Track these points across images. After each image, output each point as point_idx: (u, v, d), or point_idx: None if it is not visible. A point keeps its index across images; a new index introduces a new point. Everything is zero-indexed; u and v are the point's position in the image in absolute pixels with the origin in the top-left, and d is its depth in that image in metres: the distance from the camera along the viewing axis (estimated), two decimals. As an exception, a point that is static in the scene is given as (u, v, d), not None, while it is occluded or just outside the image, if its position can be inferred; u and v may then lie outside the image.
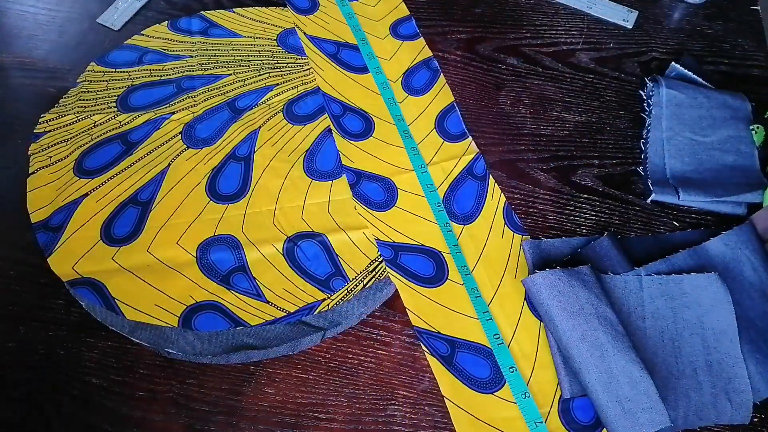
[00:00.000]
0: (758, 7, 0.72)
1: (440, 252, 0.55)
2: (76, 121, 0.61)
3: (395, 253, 0.54)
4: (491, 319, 0.52)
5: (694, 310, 0.51)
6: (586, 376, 0.47)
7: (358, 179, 0.58)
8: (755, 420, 0.49)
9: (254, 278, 0.53)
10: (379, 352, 0.51)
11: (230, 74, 0.66)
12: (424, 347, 0.50)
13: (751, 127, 0.61)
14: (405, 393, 0.49)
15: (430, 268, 0.54)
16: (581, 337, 0.48)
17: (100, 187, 0.57)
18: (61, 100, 0.63)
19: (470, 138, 0.62)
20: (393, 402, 0.49)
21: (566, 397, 0.49)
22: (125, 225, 0.55)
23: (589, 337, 0.48)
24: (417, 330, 0.51)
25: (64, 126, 0.61)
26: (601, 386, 0.46)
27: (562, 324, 0.48)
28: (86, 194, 0.57)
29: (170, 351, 0.50)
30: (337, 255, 0.55)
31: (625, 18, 0.72)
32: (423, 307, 0.52)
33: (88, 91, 0.64)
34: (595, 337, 0.48)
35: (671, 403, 0.48)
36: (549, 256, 0.55)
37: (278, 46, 0.68)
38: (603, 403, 0.46)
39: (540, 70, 0.68)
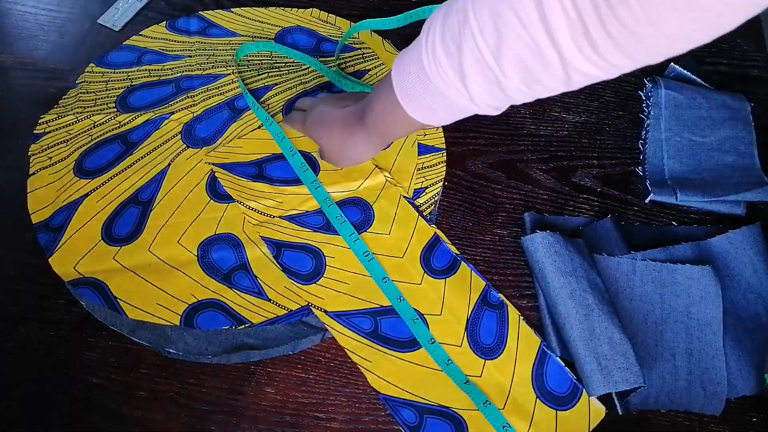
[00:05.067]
0: (757, 8, 0.72)
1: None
2: (76, 121, 0.61)
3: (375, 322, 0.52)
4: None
5: (683, 299, 0.52)
6: (569, 332, 0.49)
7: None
8: (754, 420, 0.49)
9: (255, 276, 0.53)
10: (380, 351, 0.51)
11: (229, 74, 0.66)
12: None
13: None
14: (405, 392, 0.50)
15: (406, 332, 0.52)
16: (570, 294, 0.50)
17: (100, 187, 0.57)
18: (60, 101, 0.63)
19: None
20: (393, 401, 0.49)
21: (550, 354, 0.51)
22: (126, 225, 0.55)
23: (578, 296, 0.50)
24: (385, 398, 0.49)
25: (64, 126, 0.61)
26: (582, 342, 0.49)
27: (553, 281, 0.51)
28: (87, 194, 0.57)
29: (171, 351, 0.50)
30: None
31: (624, 18, 0.72)
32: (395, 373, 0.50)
33: (88, 92, 0.64)
34: (583, 297, 0.50)
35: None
36: (548, 229, 0.55)
37: (277, 45, 0.68)
38: (582, 357, 0.49)
39: (539, 70, 0.68)
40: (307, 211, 0.56)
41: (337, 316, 0.51)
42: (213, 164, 0.58)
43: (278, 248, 0.54)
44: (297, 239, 0.55)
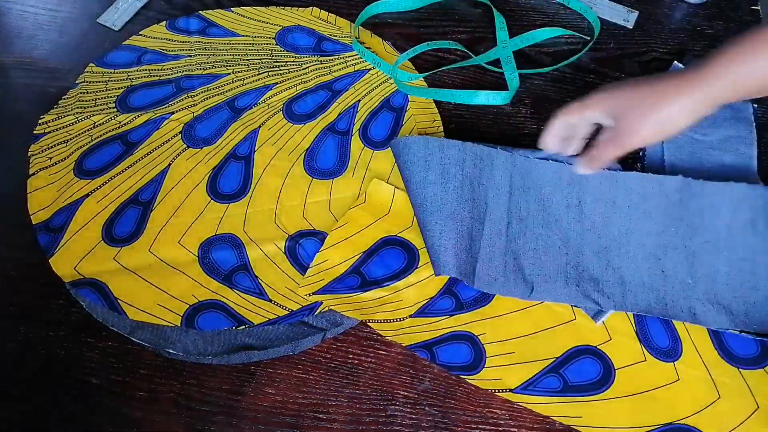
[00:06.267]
0: (758, 7, 0.72)
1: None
2: (75, 121, 0.61)
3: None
4: None
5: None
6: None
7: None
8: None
9: (256, 277, 0.53)
10: (380, 352, 0.51)
11: (229, 73, 0.66)
12: None
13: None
14: (405, 393, 0.49)
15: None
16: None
17: (100, 187, 0.57)
18: (60, 101, 0.63)
19: None
20: (393, 402, 0.49)
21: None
22: (126, 225, 0.55)
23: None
24: None
25: (63, 127, 0.61)
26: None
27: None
28: (87, 195, 0.57)
29: (171, 351, 0.50)
30: (337, 255, 0.54)
31: (626, 18, 0.72)
32: None
33: (88, 92, 0.64)
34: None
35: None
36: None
37: (277, 44, 0.68)
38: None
39: (540, 69, 0.68)
40: (432, 297, 0.53)
41: (523, 388, 0.49)
42: (312, 294, 0.52)
43: (430, 350, 0.50)
44: (441, 331, 0.51)
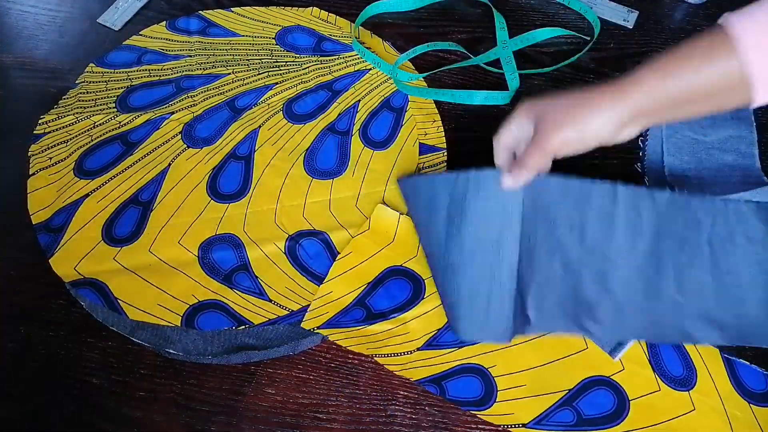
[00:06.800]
0: (758, 7, 0.72)
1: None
2: (75, 121, 0.61)
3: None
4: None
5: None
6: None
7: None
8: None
9: (257, 277, 0.53)
10: (380, 351, 0.51)
11: (229, 73, 0.65)
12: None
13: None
14: (405, 393, 0.49)
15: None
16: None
17: (100, 187, 0.57)
18: (60, 101, 0.63)
19: None
20: (393, 402, 0.49)
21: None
22: (126, 225, 0.55)
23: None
24: None
25: (63, 127, 0.61)
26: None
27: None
28: (87, 195, 0.57)
29: (171, 351, 0.50)
30: (339, 253, 0.55)
31: (626, 18, 0.72)
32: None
33: (88, 92, 0.64)
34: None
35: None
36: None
37: (277, 44, 0.68)
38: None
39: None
40: (439, 329, 0.52)
41: (536, 423, 0.48)
42: (316, 328, 0.51)
43: (439, 384, 0.49)
44: (450, 364, 0.51)
